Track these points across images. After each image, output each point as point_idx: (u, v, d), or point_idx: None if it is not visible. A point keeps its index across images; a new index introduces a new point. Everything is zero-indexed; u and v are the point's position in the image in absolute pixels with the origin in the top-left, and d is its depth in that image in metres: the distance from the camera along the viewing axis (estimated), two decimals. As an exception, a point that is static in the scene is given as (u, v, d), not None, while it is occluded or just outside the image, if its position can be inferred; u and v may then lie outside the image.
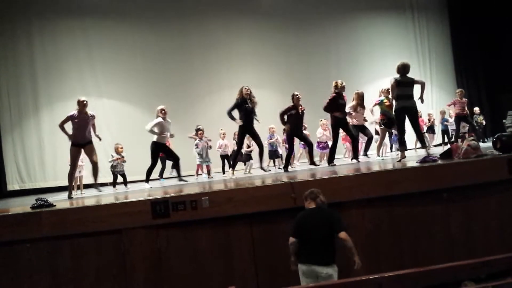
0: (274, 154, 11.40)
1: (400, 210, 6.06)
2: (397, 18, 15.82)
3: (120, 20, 13.07)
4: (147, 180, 8.94)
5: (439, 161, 6.67)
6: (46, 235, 5.36)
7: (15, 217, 5.45)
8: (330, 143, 11.15)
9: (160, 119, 8.85)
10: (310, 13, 14.65)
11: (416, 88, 8.05)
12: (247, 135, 9.42)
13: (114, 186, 9.52)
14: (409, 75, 8.01)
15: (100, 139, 8.16)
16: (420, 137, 8.36)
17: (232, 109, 8.94)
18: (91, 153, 7.84)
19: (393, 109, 8.24)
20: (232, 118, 8.94)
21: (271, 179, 6.97)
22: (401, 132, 8.14)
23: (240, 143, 9.31)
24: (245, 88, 9.01)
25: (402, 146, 8.20)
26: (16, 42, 12.09)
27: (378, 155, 10.09)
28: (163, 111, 8.95)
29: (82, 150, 7.86)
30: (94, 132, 8.01)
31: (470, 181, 6.14)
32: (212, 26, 13.69)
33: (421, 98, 8.10)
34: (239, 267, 5.75)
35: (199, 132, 10.60)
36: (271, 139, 11.19)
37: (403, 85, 7.85)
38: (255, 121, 9.15)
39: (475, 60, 15.81)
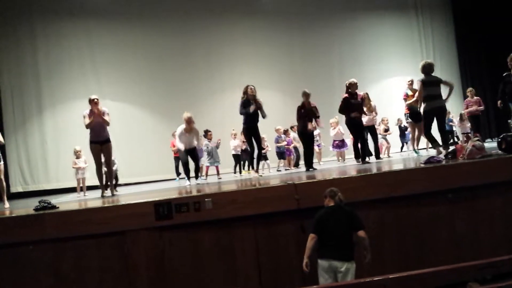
0: (281, 156, 11.34)
1: (405, 211, 6.03)
2: (401, 18, 15.77)
3: (123, 21, 13.08)
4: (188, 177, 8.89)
5: (444, 162, 6.63)
6: (49, 237, 5.35)
7: (18, 219, 5.45)
8: (346, 141, 11.28)
9: (181, 130, 8.65)
10: (313, 13, 14.62)
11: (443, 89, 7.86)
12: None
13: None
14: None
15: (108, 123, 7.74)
16: (445, 137, 8.15)
17: (243, 107, 8.65)
18: (107, 153, 7.79)
19: (422, 110, 8.04)
20: (246, 112, 8.60)
21: (275, 181, 6.94)
22: (429, 131, 7.97)
23: (250, 144, 9.00)
24: (251, 89, 8.65)
25: (434, 143, 7.99)
26: (19, 43, 12.10)
27: (414, 150, 10.18)
28: (186, 120, 8.63)
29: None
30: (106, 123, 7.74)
31: (475, 182, 6.09)
32: (215, 27, 13.68)
33: (445, 100, 7.86)
34: (242, 269, 5.73)
35: (208, 133, 10.64)
36: (278, 142, 11.11)
37: (430, 85, 7.70)
38: (260, 119, 8.89)
39: (480, 59, 15.74)
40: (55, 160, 12.12)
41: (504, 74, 8.27)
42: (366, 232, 4.97)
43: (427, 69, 7.83)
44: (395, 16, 15.71)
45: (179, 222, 5.53)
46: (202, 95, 13.59)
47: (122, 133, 12.13)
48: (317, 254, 4.96)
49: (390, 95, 14.48)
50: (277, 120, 11.45)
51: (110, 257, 5.49)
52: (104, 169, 7.94)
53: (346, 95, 8.91)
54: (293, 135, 11.51)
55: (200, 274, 5.64)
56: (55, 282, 5.38)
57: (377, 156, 9.82)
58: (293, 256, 5.63)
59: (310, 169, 9.10)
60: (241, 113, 8.73)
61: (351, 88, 8.93)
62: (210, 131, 10.71)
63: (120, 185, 10.35)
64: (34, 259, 5.37)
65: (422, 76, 7.90)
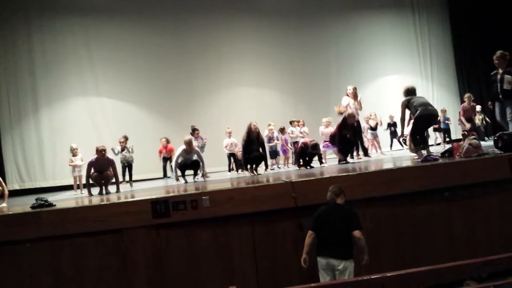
0: (274, 154, 11.31)
1: (401, 209, 6.04)
2: (397, 16, 15.75)
3: (120, 19, 13.01)
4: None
5: (440, 160, 6.65)
6: (46, 235, 5.35)
7: (15, 217, 5.44)
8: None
9: (180, 150, 8.81)
10: (311, 11, 14.58)
11: None
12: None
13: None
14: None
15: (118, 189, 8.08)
16: (425, 141, 8.07)
17: (245, 151, 8.82)
18: (106, 180, 8.00)
19: (414, 117, 7.43)
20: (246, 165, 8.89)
21: (272, 179, 6.95)
22: (415, 135, 7.90)
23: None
24: (254, 125, 8.72)
25: (418, 146, 7.91)
26: (15, 40, 12.02)
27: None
28: (187, 143, 8.77)
29: None
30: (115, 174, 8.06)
31: (471, 180, 6.11)
32: (213, 26, 13.61)
33: None
34: (240, 267, 5.74)
35: (196, 132, 10.59)
36: (270, 141, 10.98)
37: (417, 97, 7.46)
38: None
39: (476, 57, 15.74)
40: (51, 158, 12.07)
41: (491, 73, 8.07)
42: (363, 231, 4.97)
43: (411, 92, 7.56)
44: (392, 14, 15.68)
45: (177, 220, 5.53)
46: (199, 93, 13.54)
47: (119, 131, 12.07)
48: (316, 251, 4.98)
49: (386, 93, 14.50)
50: (276, 119, 11.45)
51: (108, 255, 5.49)
52: None
53: (340, 124, 8.85)
54: (292, 129, 11.48)
55: (198, 272, 5.64)
56: (52, 280, 5.38)
57: (365, 154, 9.79)
58: (291, 254, 5.64)
59: (307, 167, 9.13)
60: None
61: (349, 119, 8.82)
62: (197, 130, 10.62)
63: (135, 180, 10.50)
64: (31, 257, 5.37)
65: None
